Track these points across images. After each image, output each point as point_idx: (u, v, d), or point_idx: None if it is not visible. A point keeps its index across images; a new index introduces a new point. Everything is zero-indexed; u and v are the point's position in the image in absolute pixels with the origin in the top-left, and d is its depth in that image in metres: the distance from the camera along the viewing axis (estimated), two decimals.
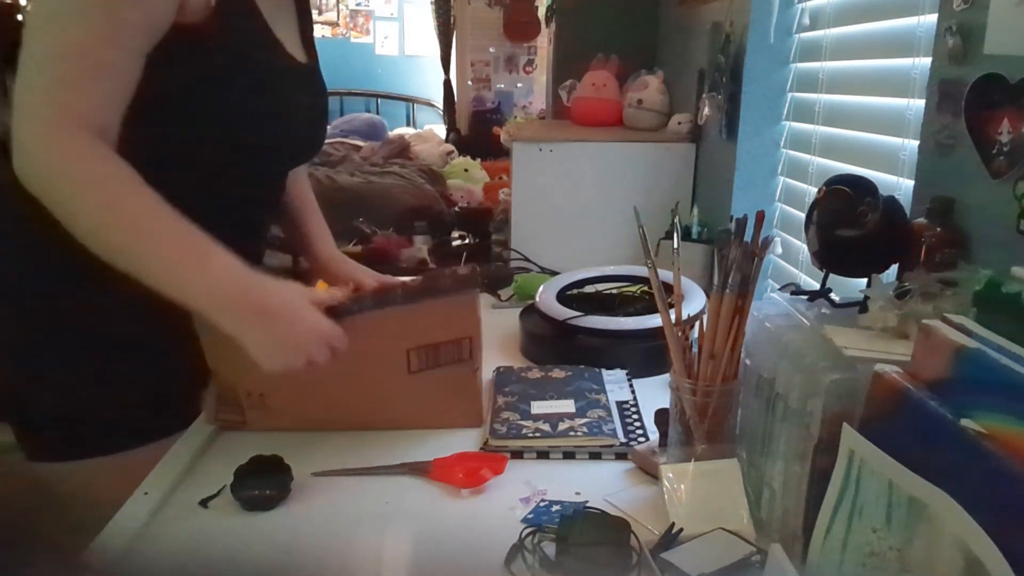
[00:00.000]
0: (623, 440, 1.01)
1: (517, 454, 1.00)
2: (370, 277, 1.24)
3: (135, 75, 0.89)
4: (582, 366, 1.22)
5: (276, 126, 1.05)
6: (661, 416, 1.00)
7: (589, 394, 1.12)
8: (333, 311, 0.94)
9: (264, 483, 0.90)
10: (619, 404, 1.11)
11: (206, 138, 0.98)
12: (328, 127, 5.47)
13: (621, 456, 1.00)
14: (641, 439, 1.02)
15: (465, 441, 1.03)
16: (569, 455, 1.01)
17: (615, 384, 1.18)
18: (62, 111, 0.84)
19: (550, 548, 0.79)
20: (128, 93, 0.88)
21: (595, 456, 1.00)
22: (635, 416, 1.09)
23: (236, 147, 1.01)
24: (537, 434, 1.02)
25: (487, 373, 1.18)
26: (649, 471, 0.96)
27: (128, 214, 0.85)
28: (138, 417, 1.04)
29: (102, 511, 0.88)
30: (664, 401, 0.98)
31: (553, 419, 1.05)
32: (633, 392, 1.17)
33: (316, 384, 0.99)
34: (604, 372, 1.21)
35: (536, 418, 1.06)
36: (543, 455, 1.01)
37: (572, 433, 1.02)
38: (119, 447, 1.02)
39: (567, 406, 1.09)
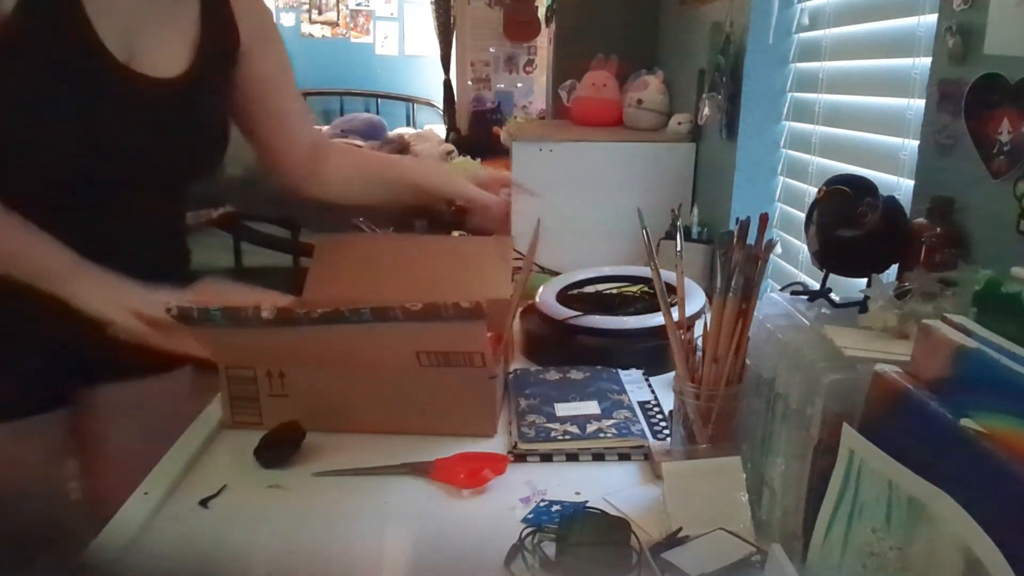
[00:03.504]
0: (651, 441, 1.01)
1: (546, 457, 1.00)
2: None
3: None
4: (599, 367, 1.22)
5: (89, 140, 0.99)
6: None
7: (611, 395, 1.12)
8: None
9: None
10: (641, 404, 1.11)
11: (26, 150, 0.96)
12: (329, 127, 5.46)
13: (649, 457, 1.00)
14: (668, 439, 1.02)
15: (466, 442, 1.03)
16: (599, 457, 1.00)
17: (633, 384, 1.18)
18: None
19: (550, 548, 0.79)
20: None
21: (624, 457, 1.00)
22: (659, 416, 1.09)
23: (54, 161, 0.98)
24: (566, 436, 1.02)
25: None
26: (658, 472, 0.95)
27: None
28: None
29: None
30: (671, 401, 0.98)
31: (580, 421, 1.05)
32: (653, 392, 1.16)
33: (330, 369, 1.02)
34: (621, 372, 1.21)
35: (563, 420, 1.05)
36: (572, 457, 1.00)
37: (601, 435, 1.02)
38: None
39: (591, 407, 1.08)
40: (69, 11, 0.96)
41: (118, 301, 0.95)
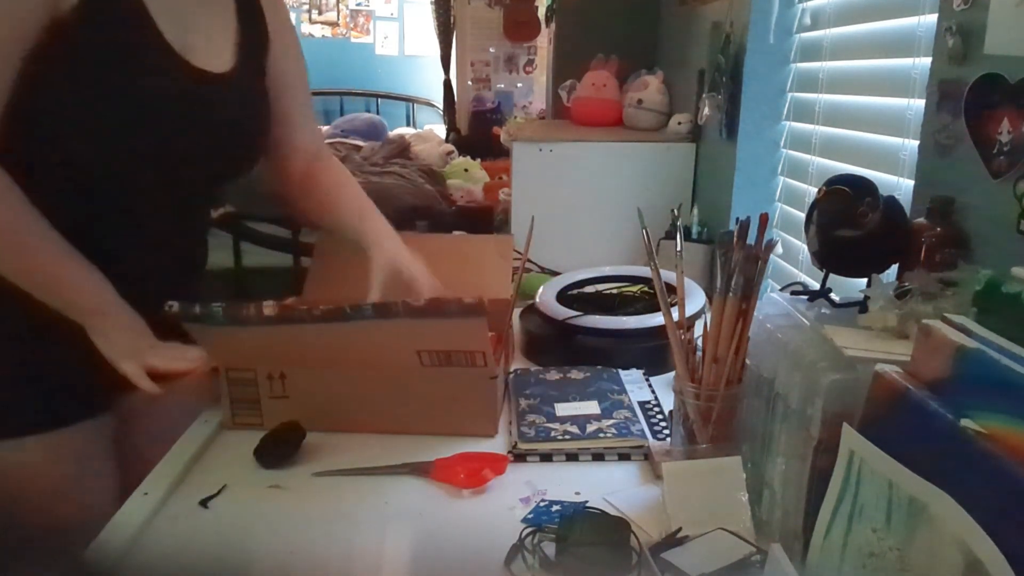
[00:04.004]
0: (651, 441, 1.01)
1: (546, 457, 1.00)
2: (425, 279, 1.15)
3: (8, 83, 0.89)
4: (599, 367, 1.22)
5: (146, 136, 0.98)
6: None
7: (611, 395, 1.12)
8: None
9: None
10: (641, 404, 1.11)
11: (77, 147, 0.95)
12: (329, 127, 5.46)
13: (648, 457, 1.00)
14: (668, 439, 1.02)
15: (466, 442, 1.03)
16: (599, 457, 1.00)
17: (633, 384, 1.18)
18: None
19: (550, 548, 0.79)
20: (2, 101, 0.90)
21: (624, 457, 1.00)
22: (659, 416, 1.09)
23: (107, 158, 0.97)
24: (566, 436, 1.02)
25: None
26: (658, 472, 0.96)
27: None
28: (55, 398, 1.03)
29: (28, 494, 0.98)
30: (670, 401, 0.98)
31: (580, 421, 1.05)
32: (653, 392, 1.17)
33: (331, 369, 1.02)
34: (621, 372, 1.21)
35: (563, 420, 1.05)
36: (572, 457, 1.00)
37: (601, 435, 1.02)
38: (35, 428, 1.02)
39: (591, 407, 1.08)
40: (130, 5, 0.95)
41: (133, 353, 0.98)
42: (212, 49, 1.04)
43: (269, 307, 0.93)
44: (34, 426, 1.01)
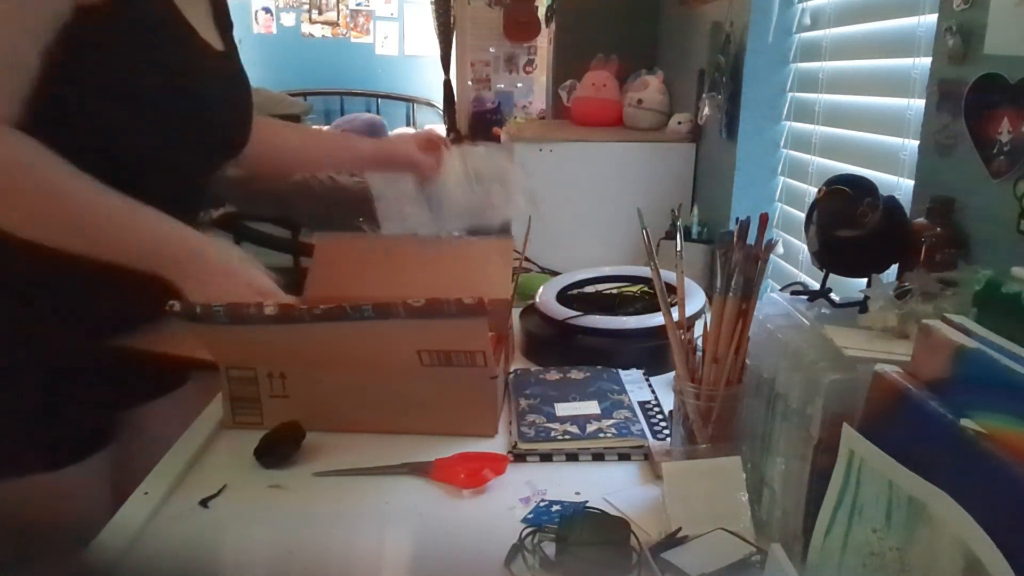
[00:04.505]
0: (651, 441, 1.01)
1: (546, 457, 1.00)
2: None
3: (37, 62, 0.88)
4: (599, 367, 1.22)
5: (184, 114, 1.00)
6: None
7: (611, 395, 1.12)
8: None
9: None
10: (641, 404, 1.11)
11: (111, 126, 0.95)
12: (329, 127, 5.45)
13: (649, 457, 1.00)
14: (668, 439, 1.02)
15: (466, 442, 1.03)
16: (598, 457, 1.00)
17: (634, 384, 1.18)
18: None
19: (550, 548, 0.79)
20: (32, 80, 0.88)
21: (624, 457, 1.00)
22: (659, 416, 1.09)
23: (142, 135, 0.97)
24: (566, 436, 1.02)
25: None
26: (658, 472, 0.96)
27: (65, 197, 0.89)
28: (57, 437, 1.01)
29: (32, 529, 0.95)
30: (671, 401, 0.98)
31: (580, 421, 1.05)
32: (653, 392, 1.17)
33: (331, 369, 1.02)
34: (621, 372, 1.21)
35: (563, 420, 1.05)
36: (572, 457, 1.00)
37: (601, 435, 1.02)
38: (40, 467, 0.99)
39: (591, 407, 1.08)
40: None
41: (247, 273, 0.98)
42: (206, 29, 1.06)
43: (270, 306, 0.94)
44: (38, 465, 1.00)
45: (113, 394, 1.06)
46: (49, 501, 1.00)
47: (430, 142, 1.38)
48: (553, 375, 1.20)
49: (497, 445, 1.03)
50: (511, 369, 1.25)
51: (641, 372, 1.22)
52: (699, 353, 0.92)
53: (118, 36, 0.93)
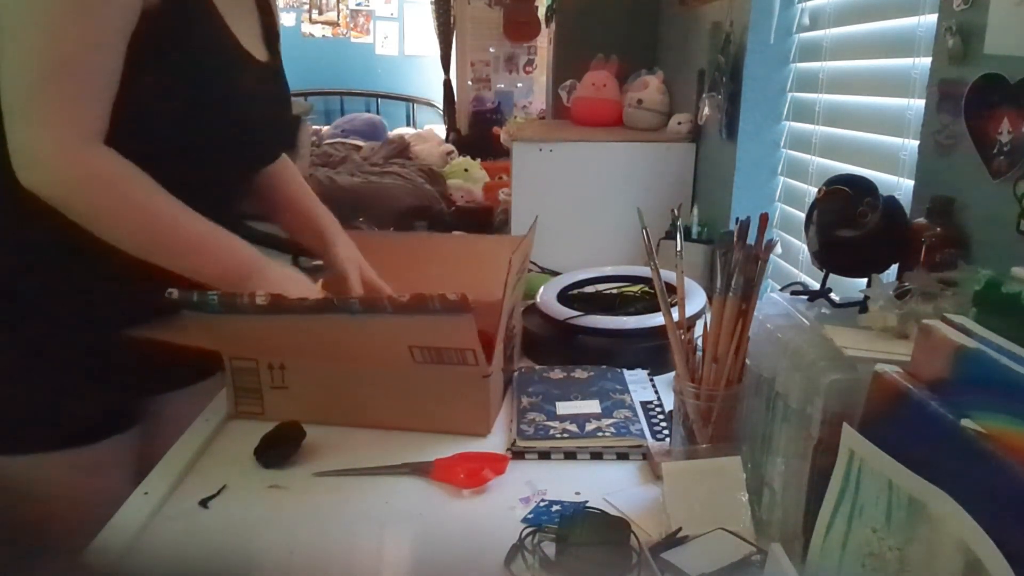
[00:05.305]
0: (650, 440, 1.01)
1: (544, 455, 1.00)
2: (385, 287, 1.22)
3: (119, 73, 0.91)
4: (604, 366, 1.22)
5: (229, 122, 1.02)
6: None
7: (613, 394, 1.12)
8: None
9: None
10: (643, 404, 1.11)
11: (160, 135, 0.97)
12: (329, 127, 5.45)
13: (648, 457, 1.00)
14: (668, 439, 1.02)
15: (466, 441, 1.03)
16: (597, 456, 1.00)
17: (638, 384, 1.18)
18: (76, 127, 0.88)
19: (550, 548, 0.79)
20: (114, 92, 0.91)
21: (623, 457, 1.00)
22: (661, 416, 1.09)
23: (188, 144, 0.99)
24: (565, 435, 1.02)
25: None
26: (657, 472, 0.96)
27: (156, 214, 0.94)
28: (82, 416, 1.03)
29: (51, 505, 0.98)
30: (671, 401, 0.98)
31: (580, 420, 1.05)
32: (656, 392, 1.17)
33: (328, 362, 1.04)
34: (626, 372, 1.21)
35: (563, 419, 1.05)
36: (570, 456, 1.00)
37: (600, 434, 1.02)
38: (64, 444, 1.02)
39: (592, 407, 1.08)
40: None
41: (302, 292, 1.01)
42: (251, 41, 1.08)
43: (261, 296, 0.95)
44: (62, 442, 1.02)
45: (135, 380, 1.08)
46: (73, 475, 1.03)
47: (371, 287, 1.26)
48: (557, 374, 1.20)
49: (497, 445, 1.03)
50: (516, 368, 1.25)
51: (646, 372, 1.22)
52: (699, 353, 0.92)
53: (166, 44, 0.94)
